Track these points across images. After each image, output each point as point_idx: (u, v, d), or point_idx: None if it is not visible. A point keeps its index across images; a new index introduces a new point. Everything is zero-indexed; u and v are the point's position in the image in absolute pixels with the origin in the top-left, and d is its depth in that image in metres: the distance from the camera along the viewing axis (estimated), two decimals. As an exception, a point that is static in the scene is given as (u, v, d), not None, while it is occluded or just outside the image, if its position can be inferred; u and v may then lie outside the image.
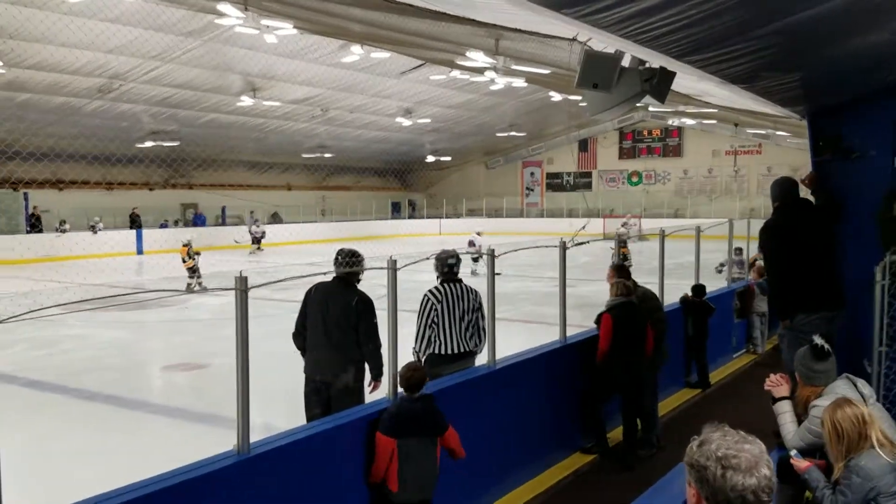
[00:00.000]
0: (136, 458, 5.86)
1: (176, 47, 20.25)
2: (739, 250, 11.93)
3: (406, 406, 4.11)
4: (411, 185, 44.31)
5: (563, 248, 6.24)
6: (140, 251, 28.22)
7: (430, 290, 5.62)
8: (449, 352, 5.55)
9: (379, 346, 5.20)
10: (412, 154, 39.21)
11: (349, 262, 5.39)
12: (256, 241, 28.74)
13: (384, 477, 4.06)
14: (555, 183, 42.90)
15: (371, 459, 4.11)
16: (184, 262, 16.87)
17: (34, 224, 26.92)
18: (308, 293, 5.49)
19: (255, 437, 3.67)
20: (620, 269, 6.72)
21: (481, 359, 5.59)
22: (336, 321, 5.24)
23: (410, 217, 42.30)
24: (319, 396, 5.25)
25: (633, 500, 3.60)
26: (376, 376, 5.29)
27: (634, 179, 40.45)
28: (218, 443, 3.73)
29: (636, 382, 6.15)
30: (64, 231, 26.42)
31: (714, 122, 31.40)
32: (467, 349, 5.62)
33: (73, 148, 26.00)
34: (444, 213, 41.69)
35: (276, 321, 12.35)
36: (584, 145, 41.14)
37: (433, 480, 4.14)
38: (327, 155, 35.19)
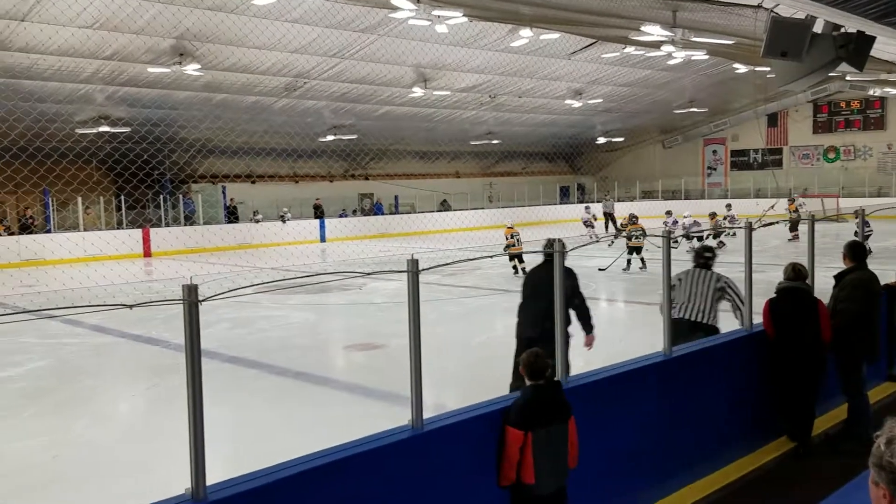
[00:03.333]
0: (322, 429, 6.25)
1: (353, 44, 21.25)
2: None
3: (534, 395, 3.95)
4: (581, 168, 43.49)
5: (750, 230, 5.87)
6: (323, 239, 30.03)
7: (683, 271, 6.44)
8: (684, 317, 6.18)
9: (584, 301, 6.08)
10: (582, 136, 38.47)
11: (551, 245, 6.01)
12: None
13: (518, 474, 3.89)
14: (740, 161, 40.29)
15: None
16: (510, 247, 16.29)
17: (231, 214, 29.46)
18: (532, 270, 6.69)
19: (427, 415, 3.77)
20: (854, 249, 6.18)
21: (658, 345, 5.35)
22: (546, 293, 5.52)
23: (580, 201, 41.55)
24: None
25: (823, 500, 3.30)
26: (589, 331, 6.18)
27: (831, 156, 37.07)
28: (393, 418, 3.88)
29: (804, 370, 5.70)
30: (258, 221, 28.70)
31: (924, 89, 28.03)
32: (701, 321, 6.16)
33: (263, 144, 28.18)
34: (617, 197, 40.46)
35: (447, 305, 12.70)
36: (773, 120, 38.26)
37: (566, 467, 3.99)
38: (495, 141, 35.43)
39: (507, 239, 16.57)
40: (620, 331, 11.10)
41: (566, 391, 4.20)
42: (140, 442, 6.61)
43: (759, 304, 6.00)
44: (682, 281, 6.36)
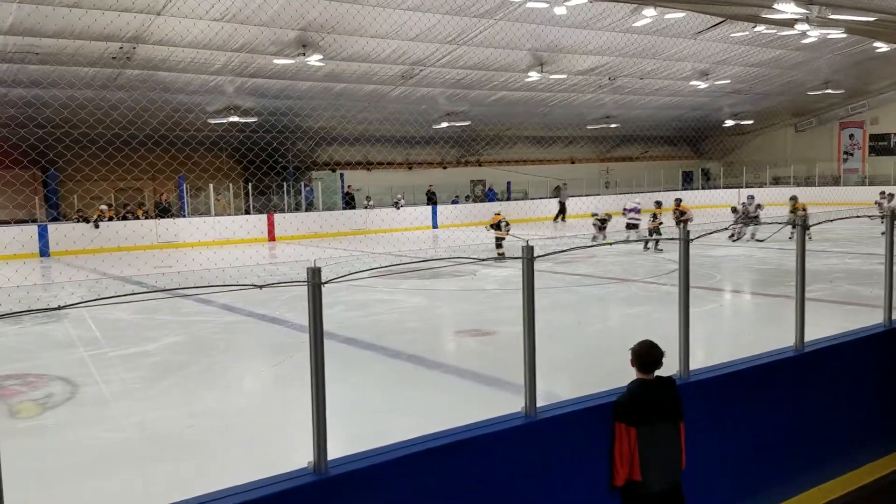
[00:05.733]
0: (434, 412, 6.35)
1: (470, 29, 21.27)
2: None
3: (643, 390, 3.81)
4: (705, 152, 41.70)
5: (892, 218, 5.44)
6: (435, 225, 30.39)
7: None
8: None
9: None
10: (707, 119, 36.85)
11: None
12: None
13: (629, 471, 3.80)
14: (880, 146, 37.37)
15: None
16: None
17: (348, 201, 30.36)
18: None
19: (539, 404, 3.74)
20: None
21: (787, 340, 5.07)
22: None
23: (703, 187, 39.83)
24: None
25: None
26: None
27: (982, 139, 33.81)
28: (504, 405, 3.88)
29: None
30: (371, 207, 29.41)
31: None
32: None
33: (379, 132, 28.79)
34: (744, 182, 38.42)
35: (560, 293, 12.54)
36: (917, 102, 35.30)
37: (679, 467, 3.83)
38: (613, 125, 34.53)
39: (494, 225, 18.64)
40: (746, 324, 10.61)
41: (690, 385, 4.06)
42: (266, 415, 6.96)
43: None
44: None
